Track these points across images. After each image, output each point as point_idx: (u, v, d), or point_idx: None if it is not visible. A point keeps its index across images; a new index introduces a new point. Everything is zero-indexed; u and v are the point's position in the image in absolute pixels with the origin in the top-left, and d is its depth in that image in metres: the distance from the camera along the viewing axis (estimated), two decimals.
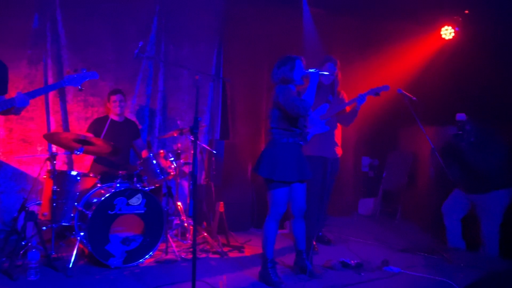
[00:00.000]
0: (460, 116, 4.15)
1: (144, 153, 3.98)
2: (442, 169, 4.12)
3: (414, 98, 4.03)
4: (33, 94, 2.91)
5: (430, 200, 5.29)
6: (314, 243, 4.03)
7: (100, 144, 3.56)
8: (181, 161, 4.05)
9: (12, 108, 2.87)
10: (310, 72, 3.14)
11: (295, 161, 3.12)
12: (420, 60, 5.70)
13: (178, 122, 4.27)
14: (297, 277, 3.26)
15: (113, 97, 4.16)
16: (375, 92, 3.99)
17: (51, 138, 3.59)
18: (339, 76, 4.09)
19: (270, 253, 3.12)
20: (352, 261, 3.53)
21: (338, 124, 4.26)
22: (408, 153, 5.92)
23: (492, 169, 4.03)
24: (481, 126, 4.13)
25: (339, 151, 4.27)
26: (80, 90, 3.11)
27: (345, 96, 4.27)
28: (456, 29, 5.47)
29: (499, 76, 4.77)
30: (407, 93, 4.03)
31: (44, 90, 2.97)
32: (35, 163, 4.23)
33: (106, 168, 3.98)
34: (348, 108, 4.25)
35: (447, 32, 5.55)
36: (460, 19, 5.44)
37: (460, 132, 4.11)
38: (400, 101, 4.16)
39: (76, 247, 3.28)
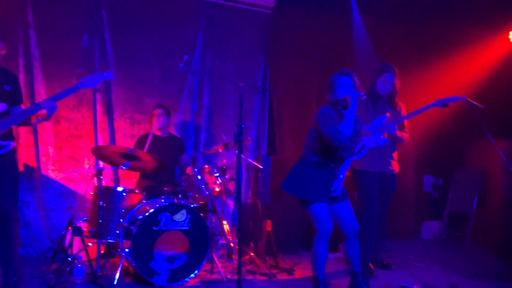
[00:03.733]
0: None
1: (189, 170, 4.11)
2: None
3: (482, 106, 3.87)
4: (57, 98, 3.06)
5: (505, 223, 4.98)
6: (372, 266, 3.91)
7: (145, 158, 3.72)
8: (227, 177, 4.11)
9: (34, 116, 3.04)
10: (349, 94, 3.02)
11: (322, 182, 3.08)
12: (487, 66, 5.48)
13: (224, 137, 4.37)
14: None
15: (155, 112, 4.37)
16: (443, 103, 3.87)
17: (98, 152, 3.80)
18: (397, 86, 4.03)
19: (321, 274, 3.06)
20: (415, 287, 3.36)
21: None
22: (477, 171, 5.62)
23: None
24: None
25: (395, 166, 4.15)
26: (96, 91, 3.24)
27: (403, 108, 4.19)
28: None
29: None
30: (473, 102, 3.87)
31: (63, 95, 3.12)
32: (82, 181, 4.47)
33: (152, 183, 4.13)
34: (405, 123, 4.16)
35: None
36: None
37: None
38: (466, 112, 4.01)
39: (121, 264, 3.40)
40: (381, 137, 4.03)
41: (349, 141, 3.02)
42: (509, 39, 5.39)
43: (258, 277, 3.75)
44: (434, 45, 5.62)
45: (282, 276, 3.80)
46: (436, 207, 6.07)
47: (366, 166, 4.04)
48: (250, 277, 3.73)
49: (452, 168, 5.98)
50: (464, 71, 5.43)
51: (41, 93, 4.36)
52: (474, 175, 5.63)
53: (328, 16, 5.47)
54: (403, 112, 4.18)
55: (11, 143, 3.01)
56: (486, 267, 4.22)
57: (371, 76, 4.18)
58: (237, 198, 2.45)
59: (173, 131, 4.78)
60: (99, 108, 4.59)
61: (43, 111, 3.00)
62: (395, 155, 4.16)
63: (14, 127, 3.11)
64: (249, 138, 5.05)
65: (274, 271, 3.85)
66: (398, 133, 4.01)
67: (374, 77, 4.07)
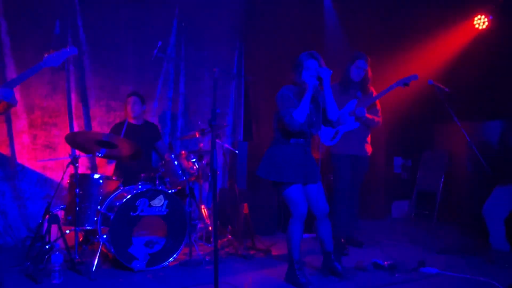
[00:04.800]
0: None
1: (167, 156, 4.03)
2: (481, 164, 3.95)
3: (447, 89, 3.91)
4: (13, 83, 2.94)
5: (469, 201, 5.10)
6: (345, 244, 3.95)
7: (121, 145, 3.62)
8: (204, 162, 4.06)
9: (1, 104, 2.92)
10: (307, 81, 2.96)
11: (296, 162, 3.03)
12: (452, 51, 5.54)
13: (200, 122, 4.30)
14: (327, 279, 3.19)
15: (129, 99, 4.27)
16: (404, 82, 3.92)
17: (73, 139, 3.67)
18: (369, 73, 4.05)
19: (296, 254, 3.06)
20: (385, 262, 3.41)
21: None
22: (444, 152, 5.72)
23: None
24: None
25: (368, 148, 4.18)
26: (62, 69, 3.14)
27: (375, 92, 4.20)
28: (490, 17, 5.30)
29: None
30: (439, 85, 3.91)
31: (24, 76, 2.95)
32: (59, 169, 4.35)
33: (129, 170, 4.04)
34: (378, 105, 4.18)
35: (480, 22, 5.39)
36: (494, 7, 5.27)
37: None
38: (432, 95, 4.05)
39: (99, 250, 3.33)
40: (353, 121, 4.05)
41: (302, 126, 2.95)
42: (473, 25, 5.45)
43: (236, 258, 3.74)
44: (402, 30, 5.64)
45: (259, 256, 3.80)
46: (405, 187, 6.18)
47: (341, 149, 4.07)
48: (228, 258, 3.72)
49: (420, 150, 6.09)
50: (431, 56, 5.48)
51: None
52: (441, 156, 5.73)
53: (301, 1, 5.41)
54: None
55: None
56: (453, 243, 4.32)
57: (341, 61, 4.18)
58: (212, 182, 2.40)
59: (150, 118, 4.68)
60: (73, 96, 4.45)
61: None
62: (368, 138, 4.19)
63: None
64: (225, 124, 4.99)
65: (251, 252, 3.86)
66: (369, 116, 4.03)
67: (347, 64, 4.07)
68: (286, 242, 3.10)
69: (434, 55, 5.50)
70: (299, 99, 2.99)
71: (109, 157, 3.94)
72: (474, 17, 5.42)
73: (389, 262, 3.40)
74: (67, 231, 3.53)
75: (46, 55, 3.06)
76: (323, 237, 3.22)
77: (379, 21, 5.75)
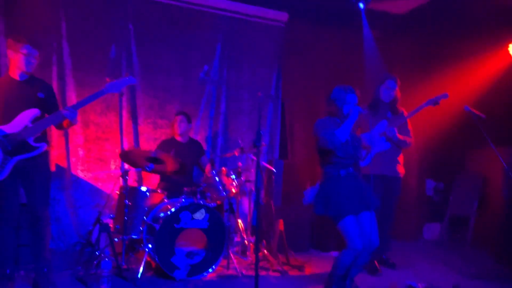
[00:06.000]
0: None
1: (208, 168, 4.09)
2: None
3: (483, 115, 3.82)
4: (78, 105, 3.09)
5: (505, 226, 4.89)
6: (377, 265, 3.87)
7: (168, 161, 3.72)
8: (242, 179, 4.11)
9: (66, 121, 3.07)
10: (352, 109, 2.92)
11: (351, 193, 2.90)
12: (488, 78, 5.40)
13: (240, 141, 4.37)
14: None
15: (177, 118, 4.40)
16: (434, 102, 3.86)
17: (125, 155, 3.81)
18: (398, 93, 4.02)
19: (336, 279, 2.94)
20: (419, 285, 3.31)
21: None
22: (478, 176, 5.53)
23: None
24: None
25: (401, 169, 4.10)
26: (121, 95, 3.27)
27: (405, 113, 4.15)
28: None
29: None
30: (475, 111, 3.82)
31: (88, 100, 3.11)
32: (109, 180, 4.50)
33: (172, 184, 4.14)
34: (409, 125, 4.12)
35: None
36: None
37: None
38: (467, 120, 3.96)
39: (144, 259, 3.42)
40: (384, 141, 4.00)
41: (344, 146, 2.87)
42: (508, 52, 5.31)
43: (271, 273, 3.73)
44: (437, 57, 5.56)
45: (293, 273, 3.78)
46: (437, 210, 5.99)
47: (373, 170, 4.00)
48: (263, 273, 3.71)
49: (452, 173, 5.91)
50: (466, 82, 5.36)
51: (73, 100, 4.39)
52: (475, 180, 5.55)
53: (339, 29, 5.46)
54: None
55: (44, 145, 3.05)
56: (486, 268, 4.15)
57: (377, 83, 4.16)
58: (256, 201, 2.43)
59: (192, 135, 4.79)
60: (124, 114, 4.62)
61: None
62: (400, 159, 4.11)
63: (48, 131, 3.15)
64: (263, 143, 5.04)
65: (285, 268, 3.84)
66: (400, 137, 3.97)
67: (377, 85, 4.06)
68: (332, 265, 2.96)
69: (469, 81, 5.38)
70: (334, 126, 2.95)
71: (156, 172, 4.05)
72: (509, 44, 5.28)
73: (423, 285, 3.30)
74: (116, 239, 3.62)
75: (108, 81, 3.20)
76: (354, 265, 2.95)
77: (415, 48, 5.71)
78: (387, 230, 4.13)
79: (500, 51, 5.39)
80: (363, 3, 4.52)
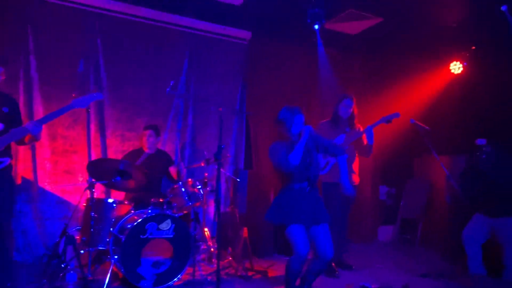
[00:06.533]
0: (480, 141, 3.99)
1: (173, 170, 4.03)
2: (459, 196, 3.94)
3: (427, 127, 3.95)
4: (44, 120, 2.96)
5: (449, 227, 5.05)
6: (335, 266, 3.89)
7: (136, 174, 3.58)
8: (208, 189, 4.03)
9: (28, 136, 2.92)
10: (303, 129, 2.90)
11: (302, 205, 2.86)
12: (431, 93, 5.63)
13: (205, 153, 4.30)
14: None
15: (145, 132, 4.26)
16: (387, 120, 3.97)
17: (93, 168, 3.62)
18: (355, 110, 4.13)
19: (291, 285, 2.90)
20: (373, 286, 3.35)
21: (356, 154, 4.20)
22: (425, 182, 5.72)
23: None
24: (501, 148, 3.95)
25: (356, 178, 4.18)
26: (88, 110, 3.18)
27: (361, 128, 4.25)
28: (464, 64, 5.41)
29: (505, 106, 4.68)
30: (420, 123, 3.95)
31: (54, 115, 2.97)
32: (76, 192, 4.31)
33: (139, 196, 4.01)
34: (364, 140, 4.21)
35: (456, 67, 5.50)
36: (468, 54, 5.39)
37: (483, 156, 3.92)
38: (413, 132, 4.10)
39: (110, 270, 3.27)
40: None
41: (297, 168, 2.85)
42: (449, 70, 5.55)
43: (236, 278, 3.66)
44: (387, 75, 5.75)
45: (257, 277, 3.73)
46: (390, 213, 6.13)
47: (331, 178, 4.06)
48: (228, 278, 3.64)
49: (403, 179, 6.08)
50: (413, 97, 5.56)
51: (40, 113, 4.19)
52: (422, 185, 5.73)
53: (297, 47, 5.54)
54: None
55: (7, 160, 2.88)
56: (434, 267, 4.25)
57: (332, 98, 4.25)
58: (217, 209, 2.37)
59: (160, 147, 4.68)
60: (92, 127, 4.46)
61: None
62: (355, 168, 4.19)
63: (12, 145, 2.97)
64: (228, 155, 5.00)
65: (250, 273, 3.78)
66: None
67: (336, 103, 4.16)
68: (285, 273, 2.91)
69: (415, 97, 5.58)
70: (287, 148, 2.91)
71: (121, 189, 3.90)
72: (450, 63, 5.53)
73: (376, 286, 3.34)
74: (82, 251, 3.46)
75: (74, 97, 3.08)
76: (310, 273, 2.95)
77: (366, 65, 5.89)
78: (343, 233, 4.17)
79: (442, 69, 5.63)
80: (318, 24, 4.59)
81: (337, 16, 4.92)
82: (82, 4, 4.44)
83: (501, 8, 4.12)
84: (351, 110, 4.11)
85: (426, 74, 5.67)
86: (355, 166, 4.20)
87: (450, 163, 4.85)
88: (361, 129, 4.22)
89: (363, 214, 5.79)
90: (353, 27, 5.24)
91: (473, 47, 5.33)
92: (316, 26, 4.65)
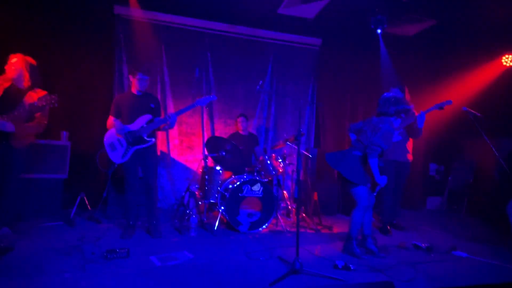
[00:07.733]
0: None
1: (261, 157, 4.12)
2: (507, 174, 3.43)
3: (479, 114, 3.47)
4: (178, 113, 3.18)
5: (494, 201, 4.45)
6: (389, 227, 3.70)
7: (235, 152, 3.75)
8: (287, 162, 4.08)
9: (163, 125, 3.17)
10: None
11: (366, 170, 2.89)
12: (483, 84, 4.88)
13: (284, 134, 4.33)
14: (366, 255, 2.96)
15: (238, 119, 4.42)
16: (439, 106, 3.56)
17: (208, 143, 3.87)
18: (408, 98, 3.77)
19: (355, 233, 2.90)
20: (423, 244, 3.12)
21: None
22: (472, 162, 5.06)
23: None
24: None
25: (409, 157, 3.86)
26: (206, 107, 3.30)
27: (416, 113, 3.88)
28: None
29: None
30: (472, 110, 3.48)
31: (185, 110, 3.22)
32: (195, 162, 4.68)
33: (237, 165, 4.19)
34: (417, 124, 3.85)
35: (508, 60, 4.68)
36: None
37: None
38: (464, 118, 3.62)
39: (219, 217, 3.51)
40: (397, 134, 3.78)
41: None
42: (501, 63, 4.75)
43: (308, 231, 3.69)
44: (442, 69, 5.12)
45: (325, 231, 3.71)
46: (438, 187, 5.57)
47: (388, 156, 3.81)
48: (302, 230, 3.68)
49: (452, 159, 5.45)
50: (466, 88, 4.89)
51: (171, 107, 4.59)
52: (470, 165, 5.08)
53: (360, 50, 5.19)
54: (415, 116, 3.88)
55: (153, 140, 3.21)
56: (479, 233, 3.81)
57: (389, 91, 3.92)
58: (297, 178, 2.40)
59: (251, 130, 4.84)
60: (205, 116, 4.73)
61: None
62: (409, 148, 3.87)
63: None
64: (302, 132, 4.97)
65: (318, 227, 3.78)
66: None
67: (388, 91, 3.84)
68: (349, 223, 2.92)
69: (467, 88, 4.90)
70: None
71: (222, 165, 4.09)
72: (502, 56, 4.72)
73: (426, 245, 3.11)
74: (200, 202, 3.77)
75: (198, 98, 3.30)
76: (364, 222, 2.98)
77: (424, 60, 5.30)
78: (397, 202, 3.92)
79: (494, 61, 4.84)
80: (380, 29, 4.24)
81: (396, 21, 4.49)
82: (197, 26, 4.69)
83: None
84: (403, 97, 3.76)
85: (478, 67, 4.93)
86: (409, 146, 3.87)
87: (498, 145, 4.20)
88: (416, 114, 3.86)
89: (414, 187, 5.34)
90: (408, 30, 4.74)
91: None
92: (379, 31, 4.30)
